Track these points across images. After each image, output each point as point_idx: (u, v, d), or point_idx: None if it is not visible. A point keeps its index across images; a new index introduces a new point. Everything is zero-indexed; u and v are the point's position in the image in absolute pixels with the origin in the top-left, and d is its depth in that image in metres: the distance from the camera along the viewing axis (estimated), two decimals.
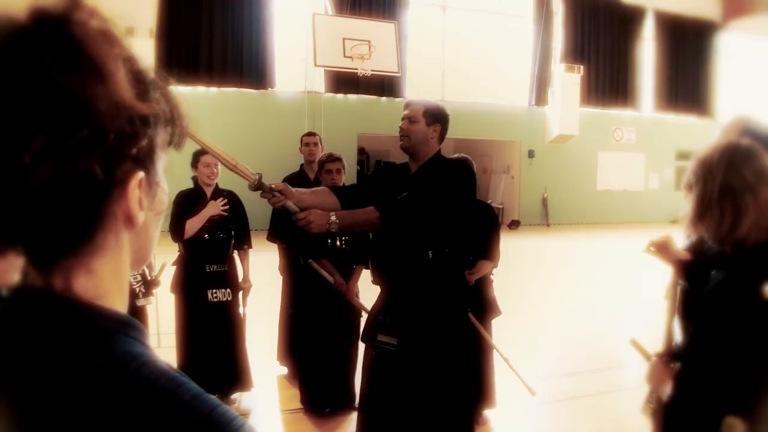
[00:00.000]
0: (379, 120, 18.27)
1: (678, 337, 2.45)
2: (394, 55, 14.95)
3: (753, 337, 1.84)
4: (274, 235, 5.63)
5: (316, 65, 14.85)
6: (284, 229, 5.35)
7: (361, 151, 19.86)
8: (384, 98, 18.25)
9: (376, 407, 3.43)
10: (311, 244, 4.69)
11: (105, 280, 0.71)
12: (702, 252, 2.37)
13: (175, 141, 0.77)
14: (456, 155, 4.70)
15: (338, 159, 4.76)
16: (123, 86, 0.66)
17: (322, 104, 17.23)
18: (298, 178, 5.73)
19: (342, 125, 17.47)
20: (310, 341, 4.81)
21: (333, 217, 2.95)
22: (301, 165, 5.82)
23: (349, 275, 4.75)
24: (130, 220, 0.70)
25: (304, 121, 16.67)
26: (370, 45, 14.41)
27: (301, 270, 4.87)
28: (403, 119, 3.43)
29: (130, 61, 0.69)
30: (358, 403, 3.80)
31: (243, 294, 4.97)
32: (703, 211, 1.96)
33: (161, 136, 0.73)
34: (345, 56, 14.22)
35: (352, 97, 17.88)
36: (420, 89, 18.73)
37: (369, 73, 14.32)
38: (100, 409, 0.62)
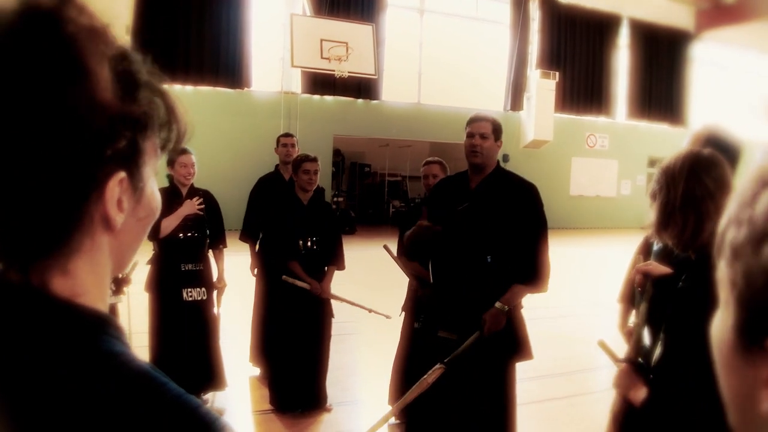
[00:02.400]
0: (355, 122, 18.29)
1: (646, 341, 2.50)
2: (371, 57, 14.99)
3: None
4: (246, 236, 5.63)
5: (293, 66, 14.84)
6: (257, 230, 5.37)
7: (337, 153, 19.84)
8: (360, 100, 18.27)
9: (430, 400, 3.58)
10: (283, 247, 4.70)
11: (82, 280, 0.68)
12: (670, 257, 2.42)
13: (171, 146, 0.75)
14: (431, 158, 4.76)
15: (315, 159, 4.76)
16: (104, 85, 0.65)
17: (298, 105, 17.20)
18: (273, 180, 5.74)
19: (318, 126, 17.45)
20: (282, 342, 4.81)
21: (506, 308, 3.44)
22: (276, 166, 5.82)
23: (322, 276, 4.75)
24: (107, 223, 0.68)
25: (279, 121, 16.63)
26: (348, 47, 14.42)
27: (273, 271, 4.87)
28: (473, 135, 3.56)
29: (117, 60, 0.68)
30: (392, 388, 3.92)
31: (217, 293, 4.96)
32: (666, 219, 2.02)
33: (151, 139, 0.71)
34: (322, 57, 14.22)
35: (329, 98, 17.87)
36: (396, 92, 18.80)
37: (346, 74, 14.34)
38: (84, 406, 0.61)
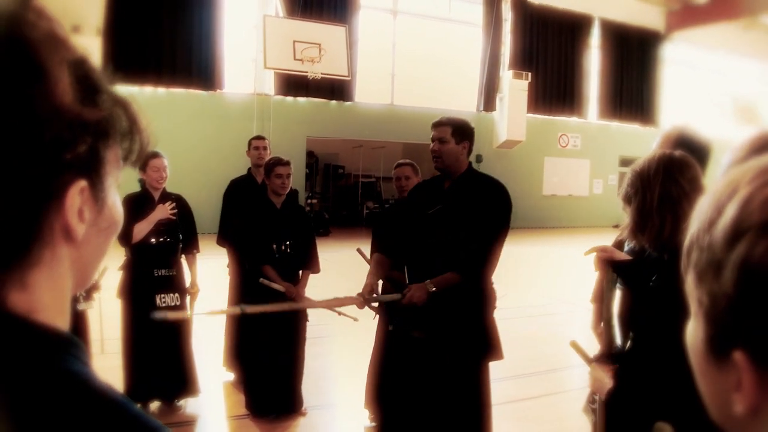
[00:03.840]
0: (328, 123, 18.26)
1: (618, 340, 2.52)
2: (345, 58, 14.99)
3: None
4: (223, 239, 5.60)
5: (266, 67, 14.81)
6: (233, 234, 5.33)
7: (310, 155, 19.80)
8: (334, 102, 18.25)
9: (393, 395, 3.70)
10: (257, 250, 4.68)
11: (40, 295, 0.65)
12: (642, 257, 2.45)
13: (133, 157, 0.73)
14: (402, 161, 4.78)
15: (288, 163, 4.74)
16: (63, 89, 0.63)
17: (271, 107, 17.14)
18: (245, 183, 5.71)
19: (291, 128, 17.40)
20: (256, 347, 4.79)
21: (432, 288, 3.40)
22: (249, 169, 5.79)
23: (297, 280, 4.74)
24: (68, 234, 0.65)
25: (253, 123, 16.55)
26: (321, 48, 14.42)
27: (248, 275, 4.85)
28: (432, 140, 3.61)
29: (77, 65, 0.66)
30: (368, 391, 3.94)
31: (191, 299, 4.93)
32: (643, 221, 2.04)
33: (113, 149, 0.69)
34: (295, 59, 14.21)
35: (302, 99, 17.82)
36: (370, 93, 18.79)
37: (319, 76, 14.33)
38: (44, 428, 0.59)
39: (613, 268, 2.47)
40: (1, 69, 0.60)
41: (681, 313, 2.05)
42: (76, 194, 0.65)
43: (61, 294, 0.68)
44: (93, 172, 0.67)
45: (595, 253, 2.50)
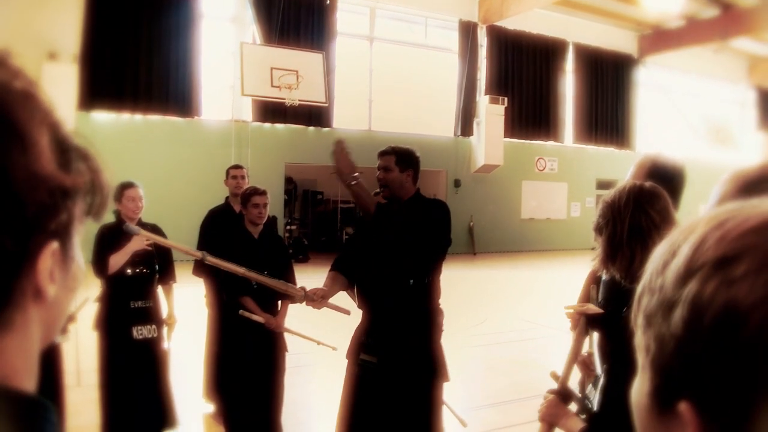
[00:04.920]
0: (306, 149, 18.26)
1: (598, 369, 2.52)
2: (322, 85, 15.05)
3: None
4: (199, 269, 5.54)
5: (243, 94, 14.83)
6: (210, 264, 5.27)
7: (289, 181, 19.77)
8: (312, 128, 18.26)
9: (356, 422, 3.70)
10: (235, 281, 4.64)
11: (12, 360, 0.64)
12: (618, 287, 2.46)
13: (95, 211, 0.71)
14: (379, 189, 4.78)
15: (265, 192, 4.72)
16: (45, 156, 0.61)
17: (249, 133, 17.12)
18: (223, 213, 5.67)
19: (269, 154, 17.39)
20: (236, 377, 4.74)
21: (359, 177, 3.57)
22: (227, 198, 5.76)
23: (277, 311, 4.70)
24: (39, 295, 0.64)
25: (231, 150, 16.52)
26: (298, 75, 14.47)
27: (227, 306, 4.80)
28: (378, 169, 3.72)
29: (53, 128, 0.64)
30: (338, 419, 3.94)
31: (168, 330, 4.87)
32: (614, 252, 2.06)
33: (79, 206, 0.68)
34: (273, 86, 14.24)
35: (280, 126, 17.83)
36: (348, 119, 18.84)
37: (297, 102, 14.37)
38: None
39: (588, 322, 2.47)
40: None
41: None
42: (48, 256, 0.63)
43: (30, 356, 0.67)
44: (65, 233, 0.66)
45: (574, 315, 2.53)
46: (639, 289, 0.66)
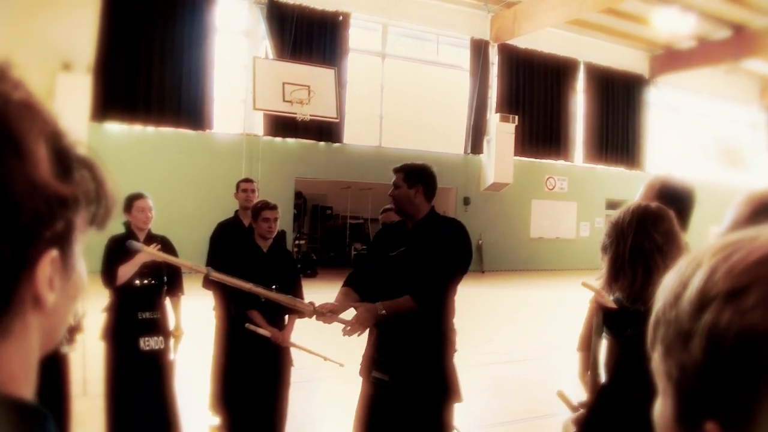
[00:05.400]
0: (317, 164, 18.33)
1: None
2: (333, 100, 15.11)
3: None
4: (209, 282, 5.54)
5: (255, 108, 14.88)
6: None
7: (298, 195, 19.82)
8: (322, 143, 18.33)
9: None
10: (242, 295, 4.64)
11: (10, 366, 0.64)
12: (624, 307, 2.46)
13: (98, 221, 0.71)
14: (389, 206, 4.80)
15: (275, 207, 4.74)
16: (42, 165, 0.62)
17: (260, 147, 17.18)
18: (232, 226, 5.69)
19: (280, 169, 17.44)
20: (242, 391, 4.73)
21: (382, 311, 3.46)
22: (236, 211, 5.78)
23: (283, 325, 4.69)
24: (38, 302, 0.65)
25: (242, 163, 16.58)
26: (310, 90, 14.54)
27: (234, 319, 4.81)
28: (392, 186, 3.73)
29: (53, 138, 0.65)
30: None
31: (174, 342, 4.88)
32: (616, 272, 2.06)
33: (82, 215, 0.69)
34: (284, 100, 14.31)
35: (291, 140, 17.89)
36: (358, 135, 18.91)
37: (308, 118, 14.42)
38: None
39: (603, 314, 2.47)
40: None
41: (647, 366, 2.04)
42: (48, 264, 0.64)
43: (28, 363, 0.67)
44: (65, 241, 0.66)
45: (590, 290, 2.52)
46: (653, 319, 0.71)
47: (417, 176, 3.69)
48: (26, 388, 0.66)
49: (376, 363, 3.67)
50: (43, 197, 0.62)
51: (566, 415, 2.78)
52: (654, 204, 2.16)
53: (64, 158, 0.66)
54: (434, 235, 3.61)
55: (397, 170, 3.74)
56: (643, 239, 2.02)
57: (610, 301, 2.53)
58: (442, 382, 3.64)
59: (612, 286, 2.09)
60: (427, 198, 3.71)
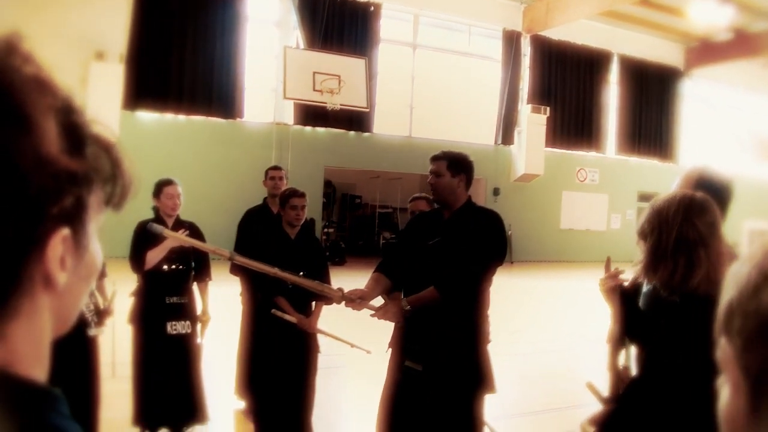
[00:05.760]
0: (346, 153, 18.34)
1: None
2: (364, 90, 15.10)
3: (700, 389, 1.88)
4: (236, 268, 5.57)
5: (285, 98, 14.92)
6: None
7: (328, 184, 19.87)
8: (352, 132, 18.33)
9: (397, 426, 3.72)
10: (270, 282, 4.65)
11: (19, 347, 0.63)
12: (659, 299, 2.42)
13: (115, 201, 0.70)
14: (418, 194, 4.78)
15: (303, 195, 4.74)
16: (50, 139, 0.61)
17: (290, 136, 17.23)
18: (260, 213, 5.71)
19: (309, 158, 17.48)
20: (268, 376, 4.75)
21: (407, 306, 3.49)
22: (265, 198, 5.80)
23: (310, 312, 4.71)
24: (49, 282, 0.63)
25: (271, 152, 16.65)
26: (340, 80, 14.53)
27: (261, 304, 4.83)
28: (430, 173, 3.67)
29: (64, 113, 0.64)
30: (378, 425, 3.97)
31: (201, 327, 4.92)
32: (656, 261, 2.01)
33: (96, 194, 0.67)
34: (315, 90, 14.32)
35: (321, 130, 17.91)
36: (388, 125, 18.88)
37: (338, 107, 14.42)
38: None
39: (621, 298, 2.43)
40: None
41: (691, 356, 2.00)
42: (59, 243, 0.63)
43: (39, 344, 0.66)
44: (76, 219, 0.65)
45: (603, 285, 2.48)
46: (725, 308, 0.67)
47: (461, 165, 3.66)
48: (37, 369, 0.65)
49: (409, 352, 3.65)
50: (51, 172, 0.61)
51: (594, 407, 2.76)
52: (699, 194, 2.10)
53: (76, 134, 0.64)
54: (471, 226, 3.58)
55: (438, 158, 3.68)
56: (688, 230, 1.97)
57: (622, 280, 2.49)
58: (475, 372, 3.62)
59: (650, 274, 2.04)
60: (467, 187, 3.69)
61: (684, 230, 1.98)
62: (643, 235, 2.07)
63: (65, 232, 0.63)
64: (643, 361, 2.08)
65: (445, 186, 3.62)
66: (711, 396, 1.91)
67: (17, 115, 0.59)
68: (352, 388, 6.41)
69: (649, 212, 2.09)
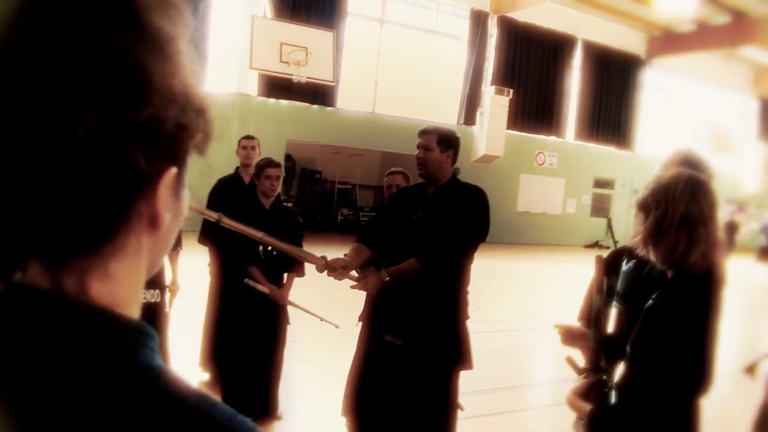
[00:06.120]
0: (309, 128, 18.21)
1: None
2: (331, 63, 14.99)
3: (685, 362, 1.95)
4: (205, 237, 5.54)
5: (251, 68, 14.73)
6: (216, 232, 5.27)
7: (288, 158, 19.72)
8: (315, 106, 18.19)
9: (370, 403, 3.78)
10: (242, 251, 4.63)
11: (122, 286, 0.61)
12: (641, 276, 2.48)
13: (199, 147, 0.66)
14: (395, 169, 4.79)
15: (279, 165, 4.73)
16: (184, 70, 0.59)
17: (253, 108, 17.03)
18: (232, 182, 5.66)
19: (271, 130, 17.30)
20: (234, 347, 4.75)
21: (386, 278, 3.47)
22: (237, 168, 5.75)
23: (282, 283, 4.71)
24: (155, 222, 0.61)
25: (233, 123, 16.44)
26: (308, 52, 14.39)
27: (230, 274, 4.81)
28: (418, 147, 3.69)
29: (192, 40, 0.63)
30: (346, 398, 3.97)
31: (170, 296, 4.88)
32: (658, 236, 2.06)
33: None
34: (281, 61, 14.16)
35: (284, 102, 17.74)
36: (352, 100, 18.79)
37: (304, 79, 14.30)
38: (124, 427, 0.55)
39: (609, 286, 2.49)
40: (120, 35, 0.55)
41: (680, 332, 2.06)
42: (170, 181, 0.61)
43: (138, 284, 0.65)
44: (183, 159, 0.63)
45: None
46: None
47: (450, 141, 3.70)
48: (136, 309, 0.64)
49: (389, 327, 3.67)
50: (181, 105, 0.59)
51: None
52: (701, 174, 2.17)
53: (196, 64, 0.64)
54: (456, 201, 3.62)
55: (428, 132, 3.71)
56: (693, 207, 2.03)
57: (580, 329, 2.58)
58: (455, 348, 3.68)
59: (650, 247, 2.09)
60: (453, 164, 3.74)
61: (690, 207, 2.03)
62: (645, 208, 2.11)
63: (174, 171, 0.61)
64: (634, 341, 2.14)
65: (434, 160, 3.64)
66: (703, 368, 1.97)
67: (155, 41, 0.58)
68: (319, 361, 6.44)
69: (654, 186, 2.12)
